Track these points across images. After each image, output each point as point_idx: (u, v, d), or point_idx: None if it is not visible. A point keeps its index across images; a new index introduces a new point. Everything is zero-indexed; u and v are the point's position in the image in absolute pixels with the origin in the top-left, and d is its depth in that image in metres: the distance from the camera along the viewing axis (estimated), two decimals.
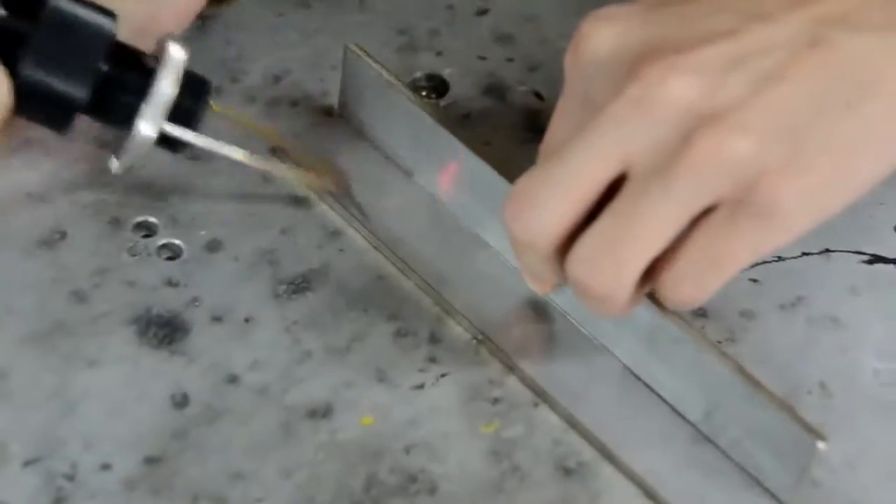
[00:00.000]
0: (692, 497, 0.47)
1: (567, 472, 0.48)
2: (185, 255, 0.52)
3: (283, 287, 0.52)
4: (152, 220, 0.53)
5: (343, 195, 0.53)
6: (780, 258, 0.53)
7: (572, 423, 0.49)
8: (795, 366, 0.51)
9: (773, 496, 0.47)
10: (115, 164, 0.50)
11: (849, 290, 0.53)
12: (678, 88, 0.42)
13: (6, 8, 0.47)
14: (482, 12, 0.60)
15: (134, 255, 0.52)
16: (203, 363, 0.49)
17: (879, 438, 0.49)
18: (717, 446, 0.48)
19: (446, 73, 0.58)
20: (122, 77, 0.49)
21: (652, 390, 0.49)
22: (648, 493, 0.48)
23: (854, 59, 0.42)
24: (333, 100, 0.56)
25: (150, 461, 0.47)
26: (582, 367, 0.50)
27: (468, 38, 0.59)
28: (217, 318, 0.51)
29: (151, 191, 0.53)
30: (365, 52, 0.54)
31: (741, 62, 0.42)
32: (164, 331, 0.50)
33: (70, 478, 0.47)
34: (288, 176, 0.53)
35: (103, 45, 0.48)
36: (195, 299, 0.51)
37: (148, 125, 0.49)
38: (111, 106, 0.49)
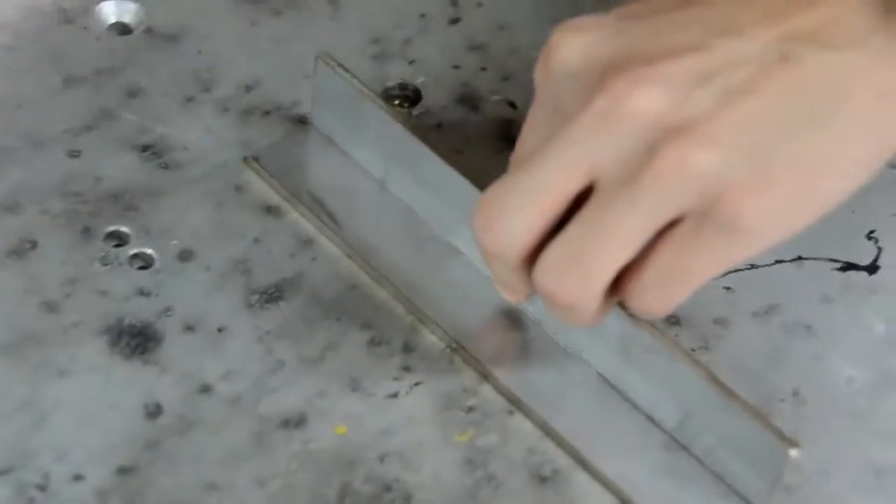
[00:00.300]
0: None
1: (542, 479, 0.48)
2: (157, 265, 0.52)
3: (256, 296, 0.51)
4: (124, 229, 0.53)
5: (316, 201, 0.53)
6: (752, 266, 0.53)
7: (547, 431, 0.49)
8: (769, 373, 0.51)
9: (747, 503, 0.47)
10: None
11: (822, 298, 0.53)
12: (645, 100, 0.42)
13: None
14: (455, 21, 0.60)
15: (105, 265, 0.52)
16: (176, 373, 0.49)
17: (852, 445, 0.49)
18: (691, 454, 0.48)
19: (419, 81, 0.58)
20: None
21: (626, 398, 0.49)
22: (623, 500, 0.48)
23: (822, 76, 0.42)
24: (306, 109, 0.56)
25: (123, 472, 0.47)
26: (556, 375, 0.50)
27: (441, 46, 0.59)
28: (189, 328, 0.50)
29: (123, 200, 0.53)
30: (336, 62, 0.54)
31: (709, 76, 0.42)
32: (137, 340, 0.50)
33: (42, 488, 0.46)
34: None
35: None
36: (167, 309, 0.51)
37: None
38: None
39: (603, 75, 0.43)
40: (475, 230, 0.45)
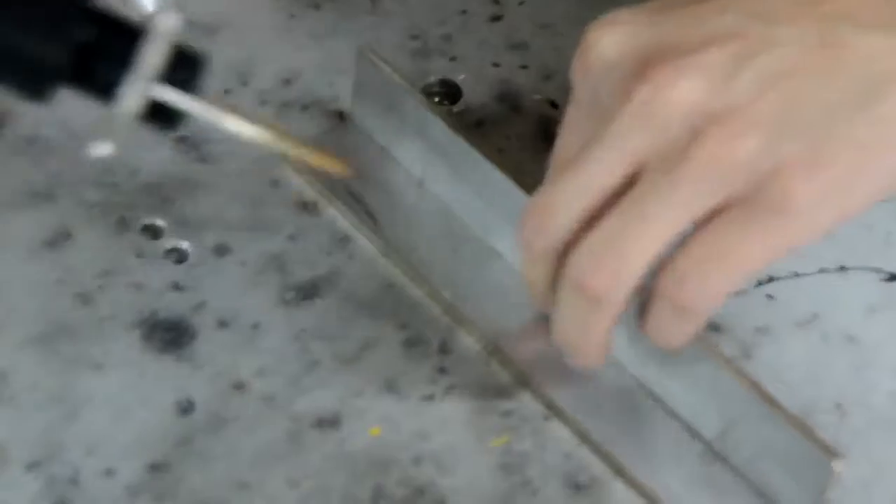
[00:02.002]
0: None
1: (578, 487, 0.47)
2: (191, 259, 0.51)
3: (292, 293, 0.51)
4: (160, 222, 0.52)
5: (353, 197, 0.53)
6: (796, 274, 0.52)
7: (584, 438, 0.48)
8: (810, 384, 0.50)
9: None
10: (97, 147, 0.46)
11: (865, 308, 0.52)
12: (686, 90, 0.42)
13: None
14: (496, 18, 0.60)
15: (140, 258, 0.51)
16: (209, 369, 0.49)
17: (894, 459, 0.48)
18: (730, 465, 0.48)
19: (459, 79, 0.57)
20: (104, 44, 0.45)
21: (665, 406, 0.49)
22: None
23: (864, 57, 0.42)
24: (345, 104, 0.55)
25: (154, 468, 0.46)
26: (594, 382, 0.49)
27: (482, 44, 0.58)
28: (224, 324, 0.50)
29: (159, 192, 0.53)
30: (378, 55, 0.53)
31: (748, 61, 0.42)
32: (170, 335, 0.49)
33: (73, 482, 0.46)
34: (298, 152, 0.48)
35: (82, 7, 0.45)
36: (202, 304, 0.50)
37: (131, 95, 0.45)
38: (92, 75, 0.45)
39: (641, 67, 0.42)
40: (524, 236, 0.45)
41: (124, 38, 0.46)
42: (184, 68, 0.46)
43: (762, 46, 0.42)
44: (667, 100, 0.42)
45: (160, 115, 0.46)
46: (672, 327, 0.44)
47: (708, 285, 0.43)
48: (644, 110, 0.42)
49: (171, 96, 0.45)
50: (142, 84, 0.45)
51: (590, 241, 0.44)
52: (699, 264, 0.43)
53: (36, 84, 0.46)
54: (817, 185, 0.42)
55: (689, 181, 0.42)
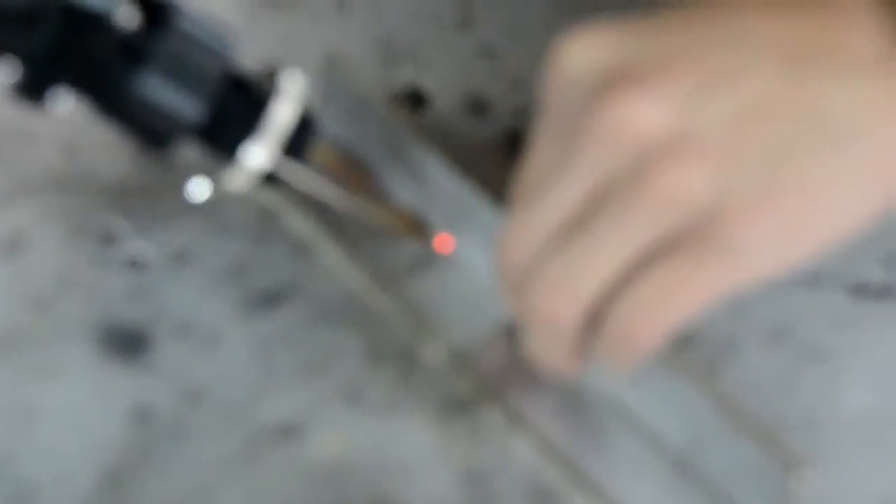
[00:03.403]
0: None
1: (541, 499, 0.47)
2: (150, 266, 0.51)
3: (253, 301, 0.51)
4: (118, 228, 0.52)
5: (317, 205, 0.52)
6: (766, 287, 0.52)
7: (548, 450, 0.48)
8: (779, 397, 0.50)
9: None
10: (199, 189, 0.49)
11: (835, 323, 0.52)
12: (643, 117, 0.41)
13: (137, 10, 0.46)
14: (466, 24, 0.59)
15: (98, 264, 0.51)
16: (167, 378, 0.48)
17: (863, 472, 0.48)
18: (697, 477, 0.48)
19: (427, 86, 0.57)
20: (233, 103, 0.47)
21: (631, 418, 0.49)
22: None
23: (825, 104, 0.41)
24: (312, 109, 0.55)
25: (112, 477, 0.46)
26: (559, 393, 0.49)
27: (451, 51, 0.58)
28: (183, 332, 0.50)
29: (118, 198, 0.52)
30: (344, 63, 0.53)
31: (709, 93, 0.41)
32: (128, 343, 0.49)
33: (28, 493, 0.46)
34: (385, 222, 0.51)
35: (221, 69, 0.47)
36: (160, 312, 0.50)
37: (256, 153, 0.47)
38: (218, 130, 0.48)
39: (603, 88, 0.42)
40: (497, 265, 0.44)
41: (253, 98, 0.48)
42: (301, 130, 0.48)
43: (729, 79, 0.41)
44: (625, 125, 0.41)
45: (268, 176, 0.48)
46: (616, 356, 0.44)
47: (652, 320, 0.43)
48: (604, 133, 0.41)
49: (285, 166, 0.48)
50: (269, 142, 0.47)
51: (544, 269, 0.43)
52: (641, 300, 0.42)
53: (165, 135, 0.47)
54: (763, 227, 0.41)
55: (639, 214, 0.41)
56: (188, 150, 0.53)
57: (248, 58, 0.56)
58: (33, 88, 0.46)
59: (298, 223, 0.53)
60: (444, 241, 0.51)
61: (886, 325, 0.52)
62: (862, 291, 0.53)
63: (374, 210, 0.51)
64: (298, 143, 0.48)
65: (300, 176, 0.49)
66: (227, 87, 0.47)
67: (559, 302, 0.43)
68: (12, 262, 0.51)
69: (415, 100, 0.57)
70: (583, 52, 0.43)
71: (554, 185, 0.43)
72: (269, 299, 0.51)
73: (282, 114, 0.48)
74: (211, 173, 0.50)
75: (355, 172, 0.51)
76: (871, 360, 0.51)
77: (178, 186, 0.52)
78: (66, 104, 0.46)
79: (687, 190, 0.41)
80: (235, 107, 0.48)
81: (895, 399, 0.50)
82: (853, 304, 0.52)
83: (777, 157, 0.41)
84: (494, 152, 0.55)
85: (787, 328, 0.51)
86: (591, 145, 0.42)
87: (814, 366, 0.51)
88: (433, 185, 0.52)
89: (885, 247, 0.54)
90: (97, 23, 0.45)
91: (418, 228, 0.52)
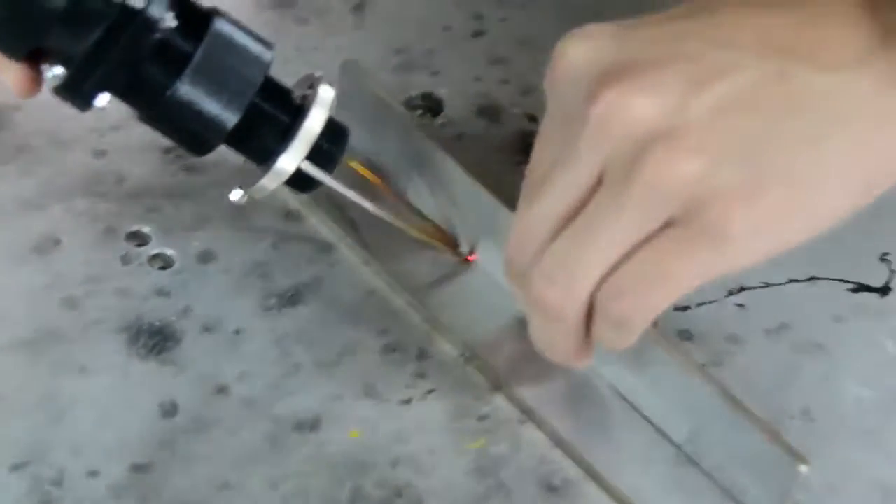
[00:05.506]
0: None
1: (552, 489, 0.48)
2: (177, 266, 0.52)
3: (274, 300, 0.52)
4: (146, 229, 0.53)
5: (336, 207, 0.54)
6: (766, 284, 0.54)
7: (558, 442, 0.49)
8: (779, 391, 0.51)
9: None
10: (238, 195, 0.50)
11: (834, 318, 0.53)
12: (638, 108, 0.42)
13: (180, 17, 0.47)
14: (478, 34, 0.61)
15: (126, 264, 0.52)
16: (192, 373, 0.50)
17: (861, 464, 0.49)
18: (700, 468, 0.49)
19: (441, 92, 0.58)
20: (270, 110, 0.49)
21: (637, 411, 0.50)
22: None
23: (815, 98, 0.42)
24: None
25: (138, 469, 0.47)
26: (568, 386, 0.50)
27: (464, 59, 0.60)
28: (207, 329, 0.51)
29: (145, 200, 0.54)
30: (361, 70, 0.54)
31: (702, 86, 0.42)
32: (155, 340, 0.50)
33: (57, 483, 0.47)
34: (412, 233, 0.52)
35: (260, 76, 0.48)
36: (186, 309, 0.51)
37: (289, 160, 0.48)
38: (255, 136, 0.49)
39: (601, 83, 0.43)
40: (506, 258, 0.45)
41: (285, 103, 0.49)
42: (333, 138, 0.49)
43: (718, 74, 0.42)
44: (619, 117, 0.42)
45: (300, 180, 0.49)
46: (611, 337, 0.45)
47: (642, 301, 0.44)
48: (599, 127, 0.43)
49: (315, 170, 0.49)
50: (301, 149, 0.48)
51: (544, 260, 0.44)
52: (635, 282, 0.43)
53: (204, 139, 0.48)
54: (752, 214, 0.42)
55: (632, 202, 0.42)
56: (215, 154, 0.55)
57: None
58: (78, 89, 0.47)
59: (320, 225, 0.54)
60: (468, 253, 0.53)
61: (884, 320, 0.53)
62: (860, 286, 0.54)
63: (403, 219, 0.52)
64: (330, 151, 0.49)
65: (330, 183, 0.50)
66: (264, 94, 0.48)
67: (559, 292, 0.44)
68: (45, 263, 0.52)
69: (429, 106, 0.58)
70: (582, 51, 0.44)
71: (553, 179, 0.44)
72: (290, 298, 0.52)
73: (315, 122, 0.48)
74: (239, 178, 0.52)
75: (382, 181, 0.53)
76: (869, 353, 0.52)
77: (204, 189, 0.54)
78: (105, 104, 0.47)
79: (678, 177, 0.42)
80: (271, 114, 0.49)
81: (892, 392, 0.51)
82: (851, 298, 0.53)
83: (764, 148, 0.42)
84: (506, 155, 0.57)
85: (787, 322, 0.53)
86: (587, 135, 0.43)
87: (813, 359, 0.52)
88: (450, 188, 0.53)
89: (884, 242, 0.55)
90: (143, 27, 0.46)
91: (446, 239, 0.53)
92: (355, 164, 0.52)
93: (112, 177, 0.54)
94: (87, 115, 0.55)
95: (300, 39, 0.59)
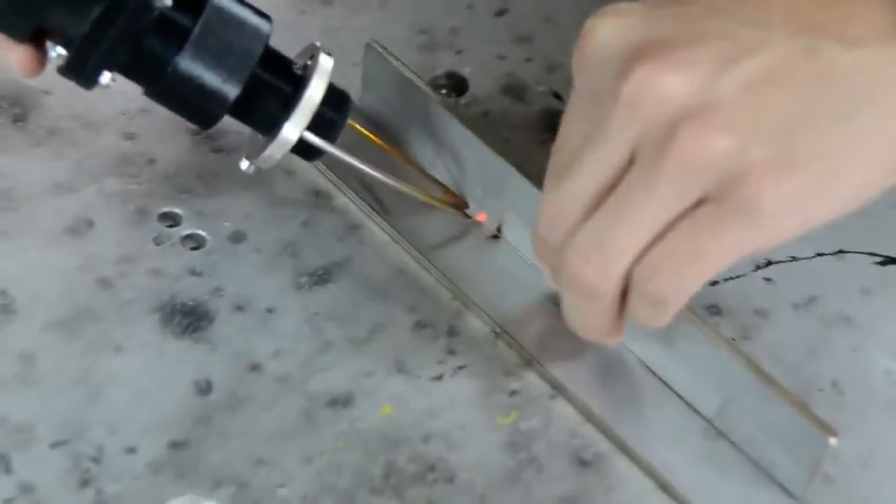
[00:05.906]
0: (705, 491, 0.48)
1: (583, 463, 0.49)
2: (208, 246, 0.53)
3: (305, 278, 0.52)
4: (177, 210, 0.54)
5: (364, 186, 0.54)
6: (793, 258, 0.54)
7: (589, 416, 0.50)
8: (808, 364, 0.51)
9: (785, 491, 0.48)
10: (245, 164, 0.51)
11: (861, 291, 0.53)
12: (669, 85, 0.42)
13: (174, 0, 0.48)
14: (501, 12, 0.61)
15: (159, 245, 0.53)
16: (226, 351, 0.50)
17: (891, 436, 0.50)
18: (730, 441, 0.49)
19: (466, 71, 0.59)
20: (271, 80, 0.49)
21: (667, 385, 0.50)
22: (662, 486, 0.48)
23: (845, 72, 0.42)
24: (355, 96, 0.56)
25: (175, 446, 0.48)
26: (599, 361, 0.51)
27: (488, 37, 0.60)
28: (240, 308, 0.51)
29: (177, 182, 0.54)
30: (386, 49, 0.55)
31: (733, 63, 0.42)
32: (188, 319, 0.51)
33: (96, 460, 0.47)
34: (419, 196, 0.52)
35: (259, 47, 0.48)
36: (218, 289, 0.52)
37: (292, 129, 0.49)
38: (257, 107, 0.49)
39: (630, 61, 0.43)
40: (537, 234, 0.46)
41: (286, 73, 0.49)
42: (335, 106, 0.50)
43: (748, 51, 0.42)
44: (651, 95, 0.42)
45: (305, 149, 0.50)
46: (647, 315, 0.45)
47: (678, 280, 0.44)
48: (630, 105, 0.43)
49: (318, 140, 0.49)
50: (303, 118, 0.49)
51: (578, 239, 0.45)
52: (670, 260, 0.44)
53: (208, 112, 0.49)
54: (785, 190, 0.42)
55: (665, 180, 0.43)
56: (239, 136, 0.55)
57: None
58: (81, 68, 0.47)
59: (349, 202, 0.54)
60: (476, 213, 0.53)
61: None
62: (888, 259, 0.54)
63: (408, 182, 0.52)
64: (333, 118, 0.50)
65: (333, 151, 0.50)
66: (265, 65, 0.49)
67: (594, 270, 0.44)
68: (79, 245, 0.52)
69: (454, 84, 0.59)
70: (611, 30, 0.44)
71: (584, 157, 0.44)
72: (321, 276, 0.52)
73: (316, 91, 0.49)
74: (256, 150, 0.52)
75: (389, 147, 0.53)
76: None
77: (233, 170, 0.54)
78: (108, 82, 0.48)
79: (710, 154, 0.42)
80: (273, 85, 0.49)
81: None
82: (879, 271, 0.54)
83: (795, 124, 0.42)
84: (531, 133, 0.57)
85: (815, 295, 0.53)
86: (618, 113, 0.43)
87: (841, 332, 0.52)
88: (474, 166, 0.53)
89: None
90: (141, 3, 0.46)
91: (453, 198, 0.53)
92: (364, 130, 0.53)
93: (142, 158, 0.55)
94: (117, 98, 0.56)
95: (325, 20, 0.60)
